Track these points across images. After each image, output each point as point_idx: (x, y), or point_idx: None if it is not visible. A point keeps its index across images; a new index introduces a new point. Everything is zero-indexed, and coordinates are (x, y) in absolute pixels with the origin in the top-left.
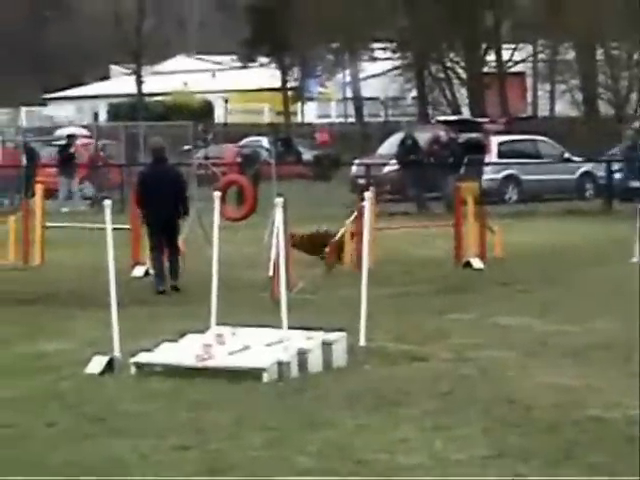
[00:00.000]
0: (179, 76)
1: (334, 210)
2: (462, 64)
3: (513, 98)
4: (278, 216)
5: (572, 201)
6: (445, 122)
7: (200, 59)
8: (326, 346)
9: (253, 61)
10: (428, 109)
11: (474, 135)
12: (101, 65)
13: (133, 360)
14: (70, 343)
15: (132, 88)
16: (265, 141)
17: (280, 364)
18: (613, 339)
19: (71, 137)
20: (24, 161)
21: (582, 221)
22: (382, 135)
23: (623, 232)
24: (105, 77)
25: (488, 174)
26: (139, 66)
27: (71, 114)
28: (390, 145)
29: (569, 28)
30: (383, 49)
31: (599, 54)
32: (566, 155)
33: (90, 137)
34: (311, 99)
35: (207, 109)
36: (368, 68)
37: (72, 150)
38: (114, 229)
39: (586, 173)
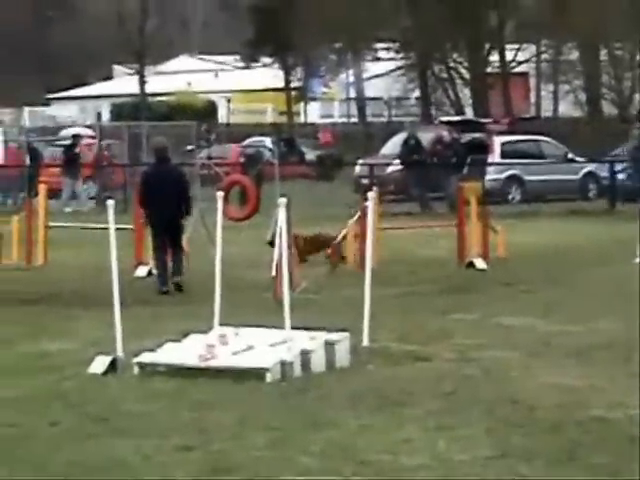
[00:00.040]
0: (182, 76)
1: (337, 210)
2: (465, 64)
3: (516, 98)
4: (281, 216)
5: (575, 201)
6: (448, 122)
7: (203, 59)
8: (329, 346)
9: (256, 61)
10: (431, 109)
11: (477, 135)
12: (104, 65)
13: (136, 360)
14: (73, 343)
15: (135, 88)
16: (268, 141)
17: (283, 364)
18: (616, 339)
19: (76, 137)
20: (27, 161)
21: (585, 221)
22: (385, 135)
23: (626, 232)
24: (108, 77)
25: (491, 174)
26: (142, 66)
27: (74, 114)
28: (393, 145)
29: (573, 28)
30: (386, 49)
31: (603, 54)
32: (569, 155)
33: (94, 137)
34: (314, 99)
35: (210, 109)
36: (371, 68)
37: (77, 150)
38: (117, 229)
39: (589, 173)
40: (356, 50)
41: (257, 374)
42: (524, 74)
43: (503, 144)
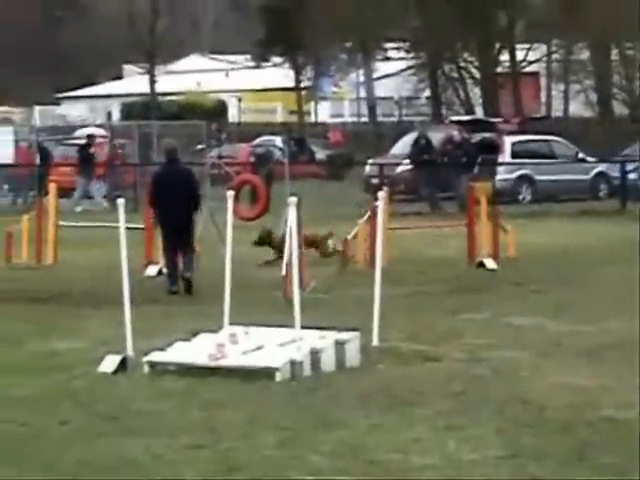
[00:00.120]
0: (192, 75)
1: (347, 210)
2: (476, 64)
3: (527, 98)
4: (291, 215)
5: (586, 201)
6: (458, 122)
7: (214, 58)
8: (339, 345)
9: (267, 61)
10: (442, 109)
11: (487, 135)
12: (115, 65)
13: (146, 359)
14: (83, 342)
15: (145, 87)
16: (278, 140)
17: (293, 363)
18: (627, 339)
19: (91, 137)
20: (38, 160)
21: (596, 221)
22: (395, 135)
23: (637, 232)
24: (118, 77)
25: (501, 174)
26: (152, 65)
27: (84, 113)
28: (403, 145)
29: (583, 28)
30: (397, 49)
31: (614, 54)
32: (580, 155)
33: (106, 137)
34: (324, 99)
35: (220, 108)
36: (381, 68)
37: (92, 150)
38: (127, 228)
39: (600, 173)
40: (366, 50)
41: (267, 373)
42: (535, 74)
43: (514, 144)
